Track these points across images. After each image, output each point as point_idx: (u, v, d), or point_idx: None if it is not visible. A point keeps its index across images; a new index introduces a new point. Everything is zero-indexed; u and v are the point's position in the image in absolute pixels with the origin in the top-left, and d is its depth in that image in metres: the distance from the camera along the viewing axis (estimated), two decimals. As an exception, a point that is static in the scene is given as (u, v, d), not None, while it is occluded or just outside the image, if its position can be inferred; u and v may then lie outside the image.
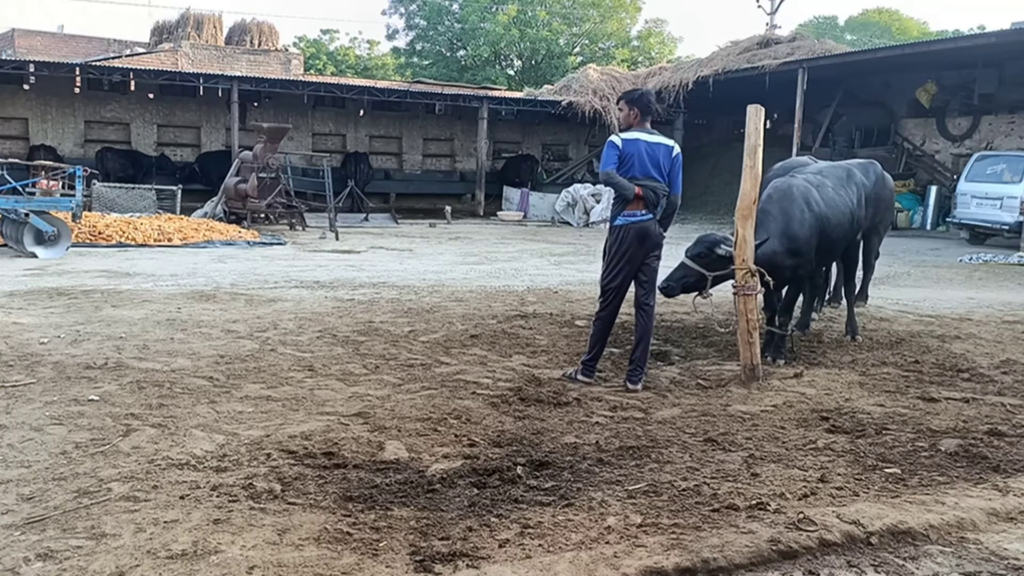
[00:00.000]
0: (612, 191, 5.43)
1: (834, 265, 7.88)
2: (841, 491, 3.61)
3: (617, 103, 5.51)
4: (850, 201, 6.58)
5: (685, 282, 5.84)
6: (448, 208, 21.29)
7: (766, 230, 5.77)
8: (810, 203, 6.13)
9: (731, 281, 5.67)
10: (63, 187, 13.79)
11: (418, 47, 44.64)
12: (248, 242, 13.93)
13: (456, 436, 4.21)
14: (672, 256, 6.12)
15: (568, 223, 21.41)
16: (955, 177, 19.61)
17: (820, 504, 3.44)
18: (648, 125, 5.39)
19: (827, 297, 8.27)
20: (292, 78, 27.31)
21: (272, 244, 14.10)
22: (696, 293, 5.89)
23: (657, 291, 5.56)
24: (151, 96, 23.76)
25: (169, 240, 13.22)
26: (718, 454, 4.07)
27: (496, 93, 28.93)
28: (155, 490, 3.39)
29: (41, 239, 11.11)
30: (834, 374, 5.81)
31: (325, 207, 17.06)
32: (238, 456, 3.81)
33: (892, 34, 47.42)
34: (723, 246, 5.71)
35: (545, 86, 29.51)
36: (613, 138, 5.32)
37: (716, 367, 5.94)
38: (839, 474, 3.82)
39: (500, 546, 2.99)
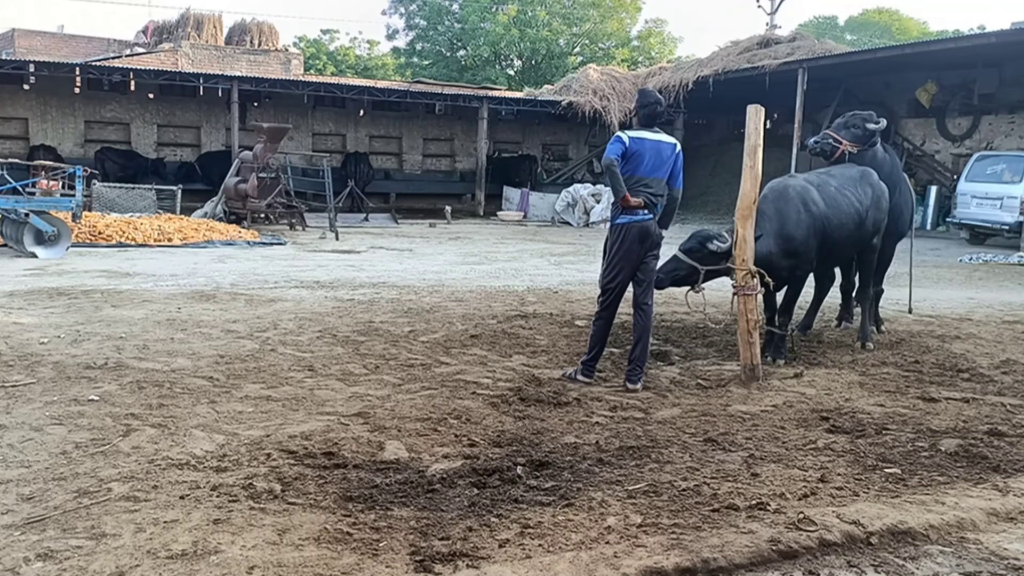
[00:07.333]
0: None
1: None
2: (841, 491, 3.61)
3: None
4: (857, 202, 6.41)
5: (675, 275, 5.85)
6: (448, 208, 21.28)
7: (760, 229, 5.76)
8: (807, 203, 6.09)
9: (730, 281, 5.68)
10: (63, 187, 13.78)
11: (418, 47, 44.62)
12: (248, 242, 13.93)
13: (456, 436, 4.21)
14: (671, 254, 6.13)
15: (568, 223, 21.40)
16: (955, 177, 19.60)
17: (820, 504, 3.44)
18: (653, 126, 5.46)
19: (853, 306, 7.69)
20: (292, 78, 27.27)
21: (272, 244, 14.09)
22: (688, 288, 5.90)
23: (654, 290, 5.58)
24: (151, 96, 23.73)
25: (169, 240, 13.22)
26: (718, 454, 4.07)
27: (496, 93, 28.91)
28: (155, 490, 3.39)
29: (41, 239, 11.10)
30: (834, 374, 5.81)
31: (325, 207, 17.04)
32: (238, 456, 3.81)
33: (892, 34, 47.41)
34: (716, 241, 5.72)
35: (545, 86, 29.51)
36: (620, 134, 5.37)
37: (716, 367, 5.94)
38: (839, 474, 3.82)
39: (500, 546, 2.99)
